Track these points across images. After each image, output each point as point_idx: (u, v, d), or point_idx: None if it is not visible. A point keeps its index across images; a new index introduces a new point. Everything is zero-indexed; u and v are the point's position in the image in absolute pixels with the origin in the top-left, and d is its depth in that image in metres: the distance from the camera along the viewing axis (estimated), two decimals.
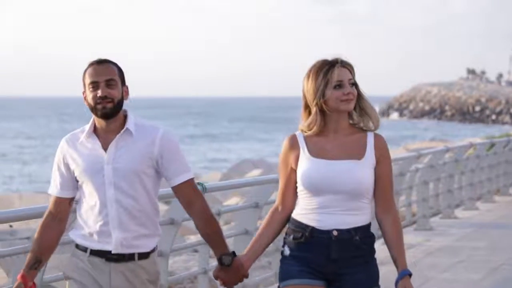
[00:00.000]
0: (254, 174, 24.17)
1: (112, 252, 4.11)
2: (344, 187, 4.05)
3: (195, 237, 12.83)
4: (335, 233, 4.07)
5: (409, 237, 11.46)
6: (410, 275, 4.22)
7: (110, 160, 4.11)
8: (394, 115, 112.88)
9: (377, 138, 4.15)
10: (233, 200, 19.70)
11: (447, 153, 14.25)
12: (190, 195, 4.19)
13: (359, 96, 4.14)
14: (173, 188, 4.20)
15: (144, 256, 4.16)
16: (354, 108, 4.14)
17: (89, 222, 4.13)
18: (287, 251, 4.15)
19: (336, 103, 4.08)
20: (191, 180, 4.20)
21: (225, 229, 8.85)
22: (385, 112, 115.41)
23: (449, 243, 11.23)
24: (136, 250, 4.14)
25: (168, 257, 6.23)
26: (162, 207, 15.84)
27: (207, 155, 58.95)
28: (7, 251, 4.99)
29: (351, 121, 4.15)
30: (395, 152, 30.33)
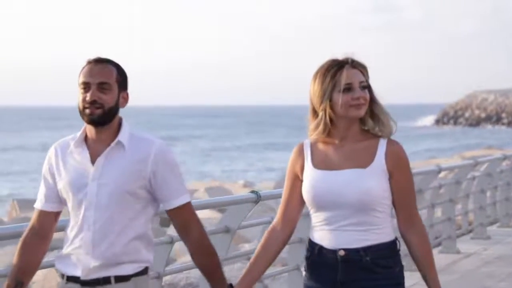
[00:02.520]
0: None
1: (81, 278, 3.64)
2: (347, 199, 3.61)
3: (249, 245, 12.84)
4: (341, 253, 3.63)
5: (466, 246, 11.35)
6: None
7: (97, 175, 3.63)
8: (428, 120, 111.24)
9: (391, 145, 3.67)
10: None
11: (504, 161, 14.06)
12: (187, 221, 3.70)
13: (372, 100, 3.70)
14: (168, 212, 3.71)
15: (123, 279, 3.65)
16: (366, 112, 3.70)
17: (68, 244, 3.70)
18: (303, 271, 3.82)
19: (344, 108, 3.65)
20: (189, 204, 3.71)
21: None
22: (440, 120, 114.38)
23: (506, 252, 11.08)
24: (112, 273, 3.64)
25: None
26: (216, 215, 15.90)
27: (260, 164, 58.99)
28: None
29: (365, 127, 3.71)
30: (450, 161, 30.03)
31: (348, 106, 3.65)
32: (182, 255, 11.95)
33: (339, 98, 3.65)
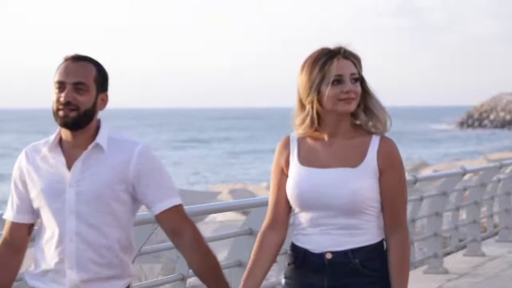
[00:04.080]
0: None
1: None
2: (336, 200, 3.37)
3: None
4: (328, 256, 3.38)
5: (491, 248, 11.29)
6: None
7: (74, 181, 3.34)
8: (452, 122, 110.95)
9: (384, 142, 3.42)
10: None
11: None
12: (177, 223, 3.39)
13: (366, 93, 3.43)
14: (156, 217, 3.40)
15: None
16: (358, 107, 3.42)
17: (46, 258, 3.36)
18: (282, 280, 3.52)
19: (333, 102, 3.38)
20: (179, 206, 3.40)
21: None
22: (465, 122, 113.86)
23: None
24: None
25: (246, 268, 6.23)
26: (240, 217, 15.92)
27: None
28: None
29: (357, 122, 3.45)
30: (475, 163, 29.88)
31: (337, 100, 3.38)
32: None
33: (328, 91, 3.38)
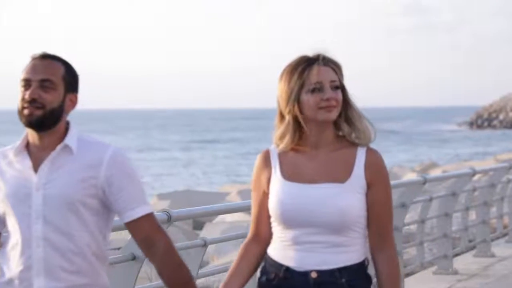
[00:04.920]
0: None
1: None
2: (323, 218, 3.21)
3: None
4: (313, 275, 3.23)
5: (501, 249, 11.25)
6: None
7: (41, 184, 3.17)
8: (461, 122, 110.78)
9: (370, 154, 3.28)
10: None
11: None
12: (149, 233, 3.21)
13: (346, 103, 3.29)
14: (127, 225, 3.24)
15: None
16: (340, 117, 3.29)
17: (11, 265, 3.20)
18: None
19: (313, 110, 3.24)
20: (150, 216, 3.23)
21: None
22: (474, 123, 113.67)
23: None
24: None
25: None
26: (249, 218, 15.85)
27: None
28: None
29: (340, 133, 3.31)
30: (484, 164, 29.81)
31: (317, 108, 3.24)
32: (215, 258, 11.96)
33: (308, 99, 3.25)
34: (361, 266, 3.29)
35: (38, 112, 3.16)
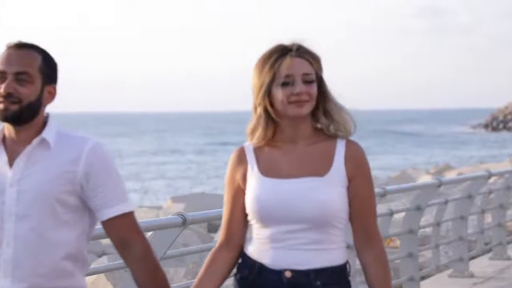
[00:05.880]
0: None
1: None
2: (302, 214, 3.05)
3: None
4: (287, 274, 3.05)
5: None
6: None
7: (15, 180, 3.00)
8: (476, 124, 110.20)
9: (350, 146, 3.13)
10: None
11: None
12: (125, 234, 3.02)
13: (323, 95, 3.11)
14: (103, 224, 3.05)
15: None
16: (318, 109, 3.12)
17: None
18: None
19: (283, 105, 3.07)
20: (130, 214, 3.04)
21: None
22: (489, 125, 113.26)
23: None
24: None
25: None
26: None
27: None
28: (114, 265, 5.06)
29: (319, 125, 3.14)
30: (500, 166, 29.69)
31: (287, 103, 3.07)
32: None
33: (278, 93, 3.07)
34: (341, 270, 3.10)
35: (14, 107, 2.99)
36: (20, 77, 2.99)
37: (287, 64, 3.07)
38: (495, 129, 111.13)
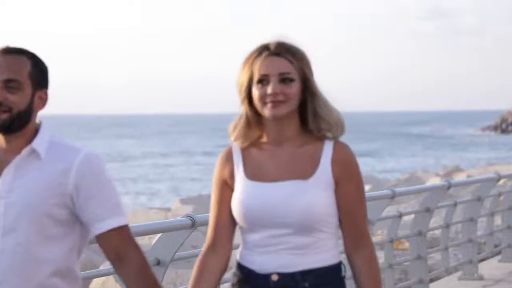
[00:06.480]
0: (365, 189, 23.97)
1: None
2: (287, 218, 2.97)
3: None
4: (274, 277, 3.00)
5: None
6: None
7: (4, 192, 2.86)
8: (486, 126, 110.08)
9: (338, 148, 3.02)
10: None
11: None
12: (120, 248, 2.89)
13: (311, 94, 3.00)
14: (97, 239, 2.91)
15: None
16: (306, 109, 3.02)
17: None
18: None
19: (260, 105, 2.99)
20: (124, 228, 2.91)
21: None
22: (499, 127, 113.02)
23: None
24: None
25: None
26: None
27: None
28: None
29: (313, 127, 3.04)
30: (509, 168, 29.61)
31: (263, 103, 2.98)
32: None
33: (254, 93, 2.99)
34: (331, 270, 3.03)
35: (4, 116, 2.86)
36: (9, 85, 2.87)
37: (262, 64, 2.98)
38: (504, 131, 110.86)
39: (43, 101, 2.94)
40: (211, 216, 3.11)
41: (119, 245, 2.90)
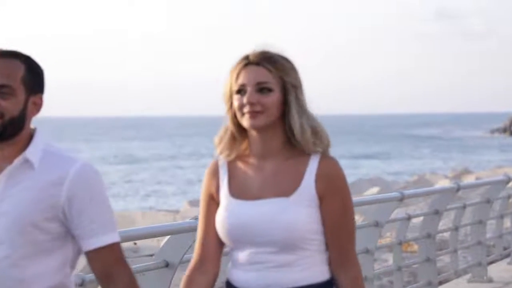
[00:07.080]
0: (372, 192, 23.98)
1: None
2: (269, 236, 2.89)
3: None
4: None
5: None
6: None
7: None
8: (495, 128, 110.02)
9: (324, 163, 2.91)
10: None
11: None
12: (109, 266, 2.77)
13: (289, 105, 2.90)
14: (86, 254, 2.78)
15: None
16: (289, 121, 2.92)
17: None
18: None
19: (238, 116, 2.91)
20: (115, 245, 2.78)
21: None
22: (508, 129, 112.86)
23: None
24: None
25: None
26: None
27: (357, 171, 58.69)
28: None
29: (294, 140, 2.92)
30: None
31: (241, 114, 2.90)
32: None
33: (234, 104, 2.92)
34: (322, 287, 2.93)
35: None
36: (2, 90, 2.74)
37: (240, 73, 2.91)
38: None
39: (38, 106, 2.81)
40: (199, 231, 3.03)
41: (109, 264, 2.77)
